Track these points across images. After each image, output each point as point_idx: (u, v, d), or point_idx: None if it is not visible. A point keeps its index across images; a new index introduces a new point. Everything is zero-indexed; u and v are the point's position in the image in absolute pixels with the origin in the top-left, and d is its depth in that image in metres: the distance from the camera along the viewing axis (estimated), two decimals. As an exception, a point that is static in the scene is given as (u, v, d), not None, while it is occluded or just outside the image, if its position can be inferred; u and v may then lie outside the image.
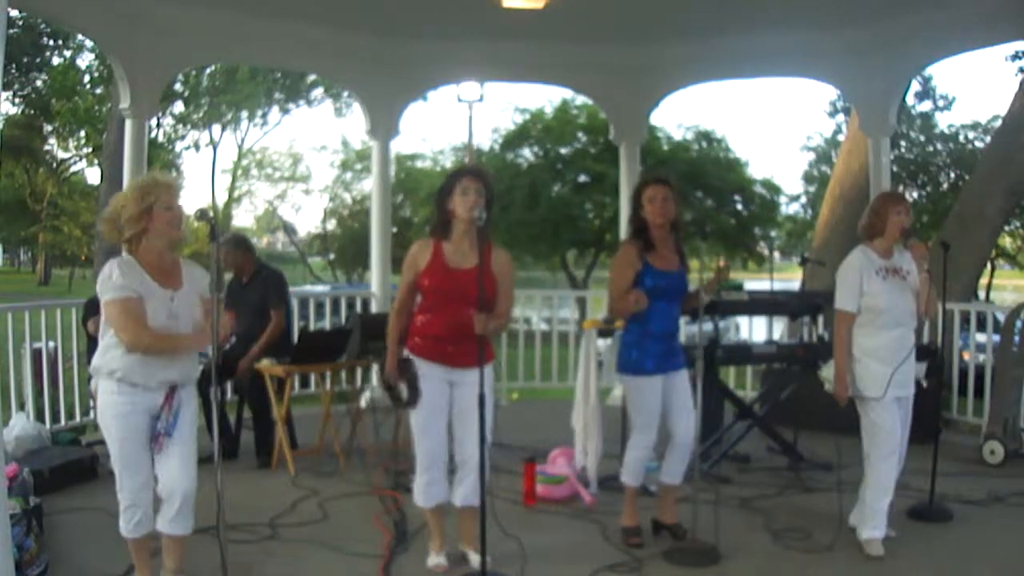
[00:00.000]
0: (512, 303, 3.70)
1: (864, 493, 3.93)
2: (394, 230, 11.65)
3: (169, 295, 3.10)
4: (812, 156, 21.27)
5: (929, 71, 19.40)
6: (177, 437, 3.14)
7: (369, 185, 14.81)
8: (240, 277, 5.64)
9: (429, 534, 3.75)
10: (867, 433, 3.92)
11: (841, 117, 19.52)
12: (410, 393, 3.53)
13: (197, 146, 28.39)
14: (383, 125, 7.37)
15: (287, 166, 31.77)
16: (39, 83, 24.34)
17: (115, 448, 3.11)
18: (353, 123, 37.19)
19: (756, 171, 25.37)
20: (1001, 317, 6.30)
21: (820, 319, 6.29)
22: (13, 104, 24.66)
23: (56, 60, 23.38)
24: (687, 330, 6.45)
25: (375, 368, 6.83)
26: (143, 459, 3.13)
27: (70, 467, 4.83)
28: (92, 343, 5.31)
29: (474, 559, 3.59)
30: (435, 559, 3.68)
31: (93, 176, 28.92)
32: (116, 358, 3.07)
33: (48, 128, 27.53)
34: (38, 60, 23.39)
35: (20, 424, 5.14)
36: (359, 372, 6.96)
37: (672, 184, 3.89)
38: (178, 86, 22.94)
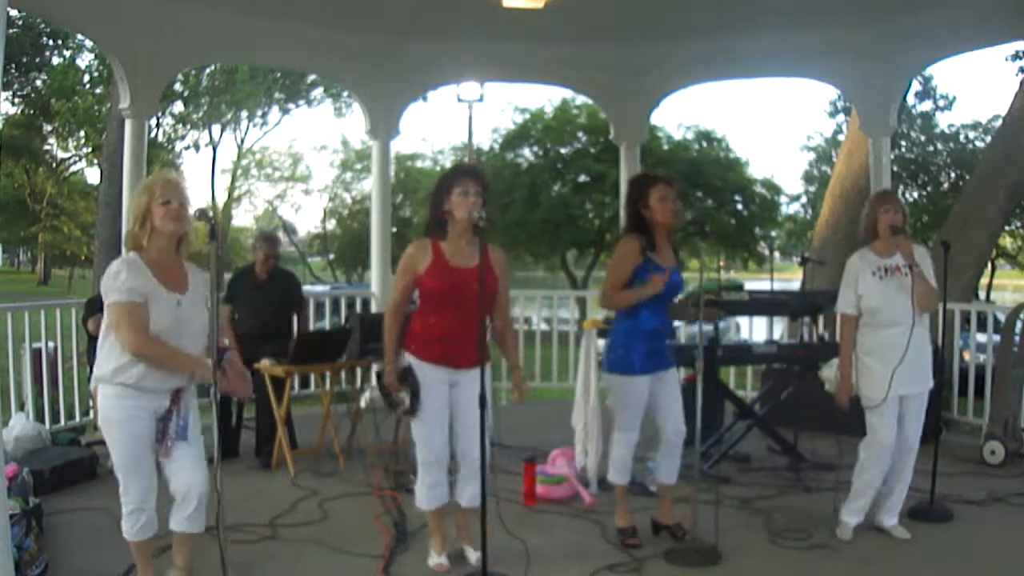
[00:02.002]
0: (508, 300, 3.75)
1: (853, 480, 4.06)
2: (394, 230, 11.63)
3: (175, 299, 3.05)
4: (812, 156, 21.33)
5: (929, 71, 19.43)
6: (189, 438, 3.13)
7: (369, 185, 14.82)
8: (258, 274, 5.66)
9: (430, 534, 3.75)
10: (868, 431, 4.00)
11: (841, 117, 19.55)
12: (412, 402, 3.52)
13: (197, 146, 28.37)
14: (383, 125, 7.37)
15: (287, 166, 31.85)
16: (39, 83, 24.29)
17: (119, 453, 3.07)
18: (353, 123, 37.26)
19: (756, 171, 25.45)
20: (1001, 317, 6.30)
21: (820, 319, 6.28)
22: (13, 104, 24.64)
23: (56, 60, 23.34)
24: (687, 330, 6.47)
25: (375, 368, 6.84)
26: (148, 463, 3.11)
27: (70, 467, 4.83)
28: (92, 343, 5.31)
29: (472, 556, 3.63)
30: (436, 559, 3.68)
31: (93, 176, 28.89)
32: (127, 365, 3.01)
33: (48, 128, 27.49)
34: (38, 60, 23.34)
35: (20, 424, 5.14)
36: (359, 372, 6.96)
37: (674, 184, 3.90)
38: (178, 86, 22.90)
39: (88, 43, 20.20)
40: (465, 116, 25.66)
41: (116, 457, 3.09)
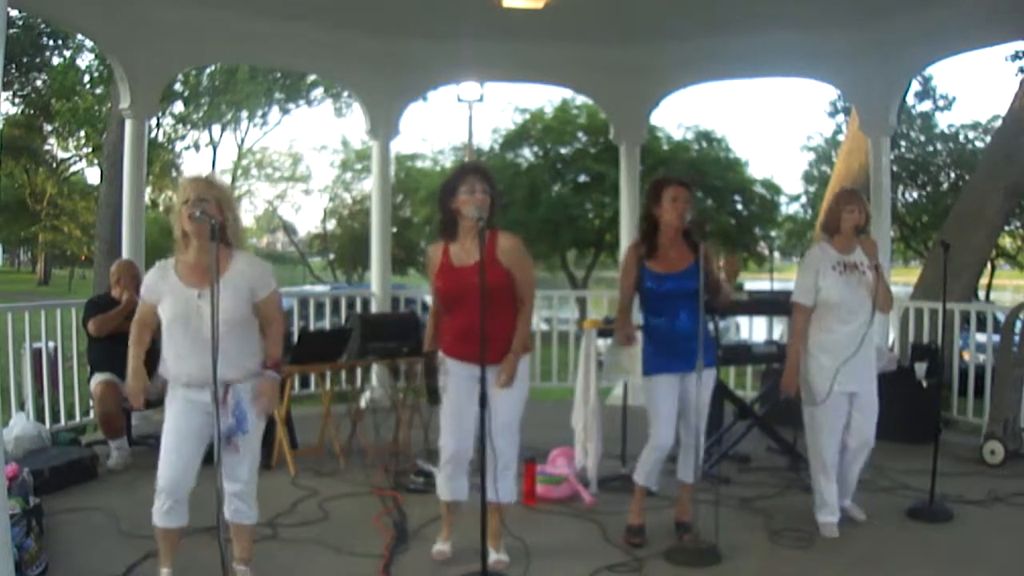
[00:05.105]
0: (532, 288, 3.67)
1: (812, 483, 4.13)
2: (394, 230, 11.67)
3: (195, 293, 3.12)
4: (812, 156, 21.29)
5: (929, 71, 19.44)
6: (249, 431, 3.21)
7: (369, 185, 14.81)
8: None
9: (441, 523, 3.80)
10: (809, 428, 4.09)
11: (841, 117, 19.53)
12: (429, 388, 3.66)
13: (197, 146, 28.44)
14: (383, 125, 7.37)
15: (287, 166, 31.79)
16: (39, 83, 24.31)
17: (163, 438, 3.21)
18: (353, 123, 37.23)
19: (756, 171, 25.45)
20: (1001, 317, 6.30)
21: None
22: (13, 104, 24.67)
23: (56, 60, 23.33)
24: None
25: (375, 368, 6.85)
26: (185, 452, 3.17)
27: (70, 467, 4.82)
28: (92, 343, 5.33)
29: (492, 557, 3.60)
30: (439, 546, 3.74)
31: (93, 176, 28.92)
32: (164, 360, 3.21)
33: (48, 128, 27.50)
34: (38, 60, 23.35)
35: (20, 424, 5.14)
36: (359, 372, 6.96)
37: (691, 187, 3.92)
38: (178, 86, 22.93)
39: (88, 43, 20.22)
40: (465, 116, 25.72)
41: (162, 443, 3.22)
